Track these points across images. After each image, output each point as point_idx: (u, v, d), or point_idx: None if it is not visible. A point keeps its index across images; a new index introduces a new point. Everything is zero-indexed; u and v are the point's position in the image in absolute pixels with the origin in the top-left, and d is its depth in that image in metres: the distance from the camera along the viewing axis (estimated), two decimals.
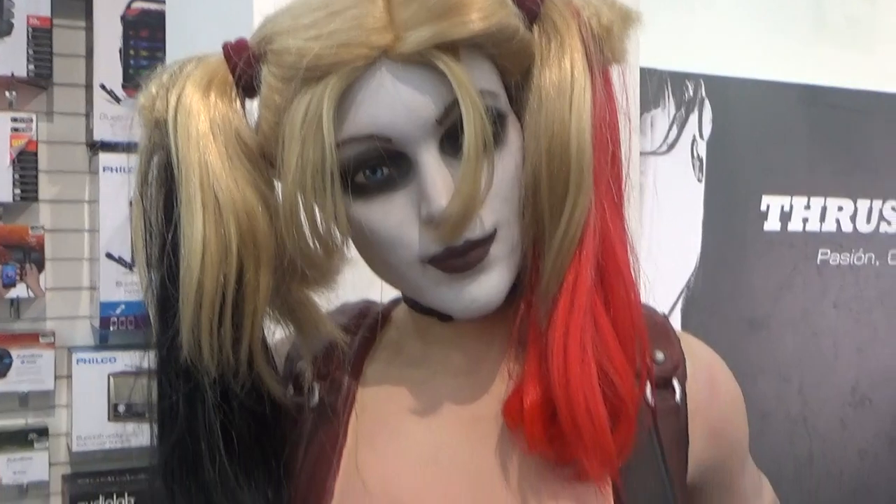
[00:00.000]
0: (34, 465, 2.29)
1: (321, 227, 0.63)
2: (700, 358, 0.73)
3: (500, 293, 0.64)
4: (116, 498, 2.31)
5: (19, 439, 2.28)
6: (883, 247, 2.05)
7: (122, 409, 2.31)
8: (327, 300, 0.71)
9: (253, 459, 0.66)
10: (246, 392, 0.65)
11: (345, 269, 0.70)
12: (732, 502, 0.76)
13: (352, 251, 0.69)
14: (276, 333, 0.73)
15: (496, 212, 0.63)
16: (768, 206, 1.99)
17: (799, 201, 1.99)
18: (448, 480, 0.67)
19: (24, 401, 2.30)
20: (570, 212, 0.63)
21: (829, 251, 2.03)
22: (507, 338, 0.68)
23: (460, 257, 0.62)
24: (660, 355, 0.70)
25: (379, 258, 0.66)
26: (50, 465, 2.32)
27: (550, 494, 0.65)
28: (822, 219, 2.02)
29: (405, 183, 0.62)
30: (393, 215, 0.63)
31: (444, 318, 0.69)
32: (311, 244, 0.64)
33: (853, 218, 2.03)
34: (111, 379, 2.31)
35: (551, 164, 0.62)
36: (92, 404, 2.30)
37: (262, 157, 0.65)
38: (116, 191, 2.24)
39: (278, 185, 0.64)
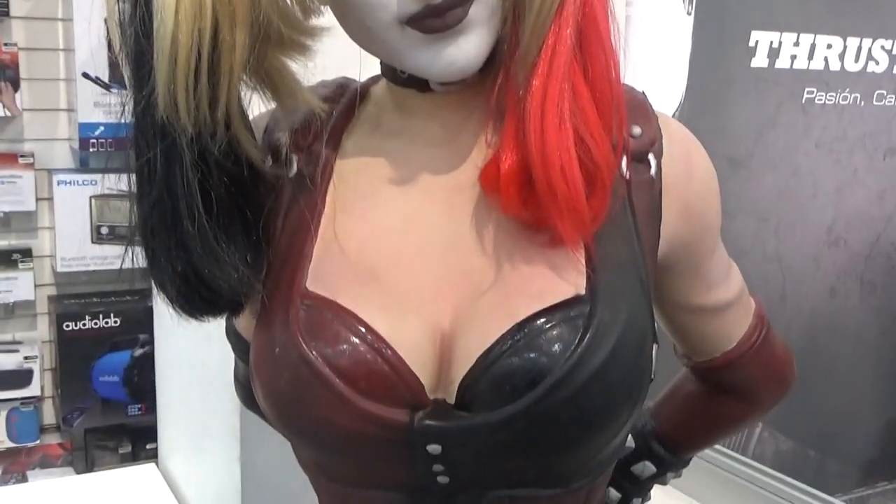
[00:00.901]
0: (19, 285, 2.32)
1: None
2: (677, 137, 0.73)
3: (479, 56, 0.64)
4: (102, 318, 2.36)
5: (3, 259, 2.30)
6: (869, 86, 2.03)
7: (104, 231, 2.32)
8: (303, 67, 0.70)
9: (232, 221, 0.67)
10: (223, 153, 0.65)
11: (325, 41, 0.69)
12: (701, 282, 0.78)
13: (329, 16, 0.68)
14: (255, 110, 0.73)
15: None
16: (757, 42, 1.96)
17: (788, 38, 1.96)
18: (424, 245, 0.68)
19: (5, 222, 2.31)
20: None
21: (815, 90, 2.01)
22: (485, 109, 0.67)
23: (439, 17, 0.61)
24: (637, 129, 0.70)
25: (357, 21, 0.64)
26: (35, 286, 2.35)
27: (524, 259, 0.66)
28: (811, 56, 1.99)
29: None
30: None
31: (423, 89, 0.69)
32: (288, 2, 0.63)
33: (842, 56, 2.00)
34: (92, 201, 2.31)
35: None
36: (74, 226, 2.31)
37: None
38: (91, 8, 2.17)
39: None
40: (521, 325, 0.63)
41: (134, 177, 0.66)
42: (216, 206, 0.65)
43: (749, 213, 2.02)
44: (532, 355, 0.63)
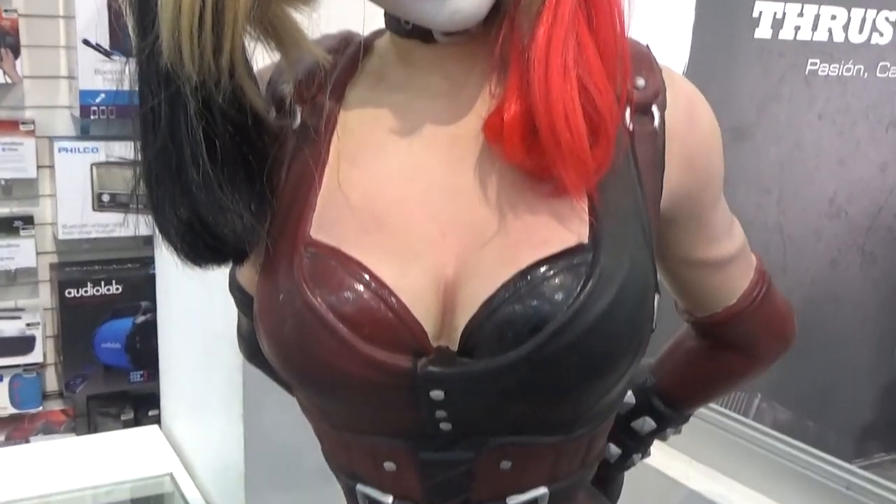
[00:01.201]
0: (21, 252, 2.32)
1: None
2: (681, 89, 0.73)
3: (483, 6, 0.63)
4: (104, 285, 2.36)
5: (5, 227, 2.30)
6: (873, 58, 2.02)
7: (106, 198, 2.32)
8: (307, 17, 0.70)
9: (236, 169, 0.67)
10: (228, 102, 0.65)
11: None
12: (704, 235, 0.78)
13: None
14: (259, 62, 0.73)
15: None
16: (760, 13, 1.94)
17: (792, 8, 1.95)
18: (427, 195, 0.68)
19: (7, 190, 2.31)
20: None
21: (818, 61, 2.00)
22: (489, 60, 0.67)
23: None
24: (641, 81, 0.70)
25: None
26: (37, 253, 2.36)
27: (528, 208, 0.66)
28: (815, 27, 1.98)
29: None
30: None
31: (427, 40, 0.69)
32: None
33: (846, 27, 1.99)
34: (94, 169, 2.31)
35: None
36: (76, 194, 2.31)
37: None
38: None
39: None
40: (523, 273, 0.64)
41: (138, 125, 0.66)
42: (220, 154, 0.66)
43: (751, 184, 2.02)
44: (534, 303, 0.63)
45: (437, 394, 0.65)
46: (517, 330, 0.63)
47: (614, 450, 0.94)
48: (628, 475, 1.00)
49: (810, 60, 1.98)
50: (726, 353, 0.88)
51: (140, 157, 0.67)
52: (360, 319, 0.64)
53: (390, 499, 0.71)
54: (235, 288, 0.86)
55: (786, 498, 1.36)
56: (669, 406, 0.92)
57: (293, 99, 0.72)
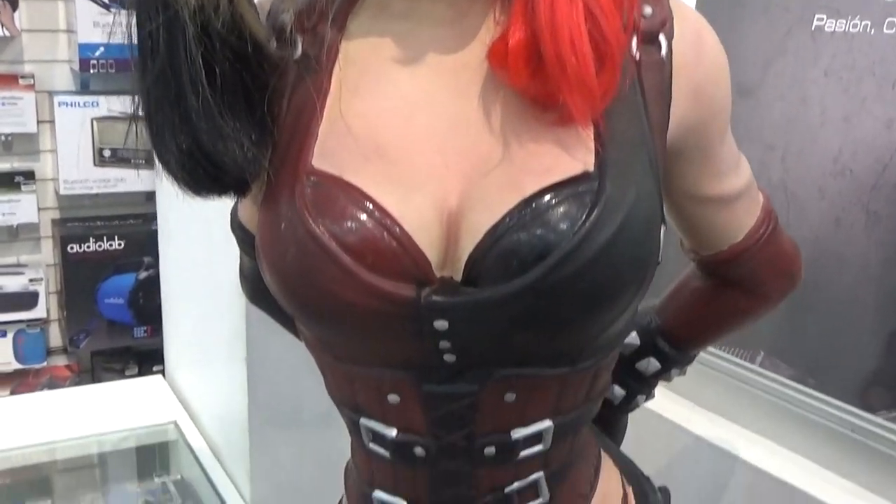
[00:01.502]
0: (22, 208, 2.32)
1: None
2: (688, 18, 0.71)
3: None
4: (106, 241, 2.36)
5: (6, 182, 2.30)
6: (880, 14, 1.99)
7: (107, 153, 2.31)
8: None
9: (236, 97, 0.66)
10: (227, 28, 0.64)
11: None
12: (711, 169, 0.78)
13: None
14: None
15: None
16: None
17: None
18: (431, 123, 0.67)
19: (7, 145, 2.30)
20: None
21: (825, 17, 1.97)
22: None
23: None
24: (648, 9, 0.69)
25: None
26: (39, 209, 2.35)
27: (532, 137, 0.65)
28: None
29: None
30: None
31: None
32: None
33: None
34: (94, 123, 2.30)
35: None
36: (77, 149, 2.30)
37: None
38: None
39: None
40: (528, 201, 0.63)
41: (136, 51, 0.65)
42: (220, 81, 0.65)
43: (756, 140, 2.00)
44: (539, 231, 0.62)
45: (440, 324, 0.64)
46: (522, 258, 0.62)
47: (618, 391, 0.94)
48: (631, 420, 1.00)
49: (816, 16, 1.95)
50: (732, 292, 0.88)
51: (139, 85, 0.66)
52: (362, 248, 0.63)
53: (394, 432, 0.71)
54: (237, 226, 0.85)
55: (790, 441, 1.36)
56: (674, 347, 0.92)
57: (294, 28, 0.71)
